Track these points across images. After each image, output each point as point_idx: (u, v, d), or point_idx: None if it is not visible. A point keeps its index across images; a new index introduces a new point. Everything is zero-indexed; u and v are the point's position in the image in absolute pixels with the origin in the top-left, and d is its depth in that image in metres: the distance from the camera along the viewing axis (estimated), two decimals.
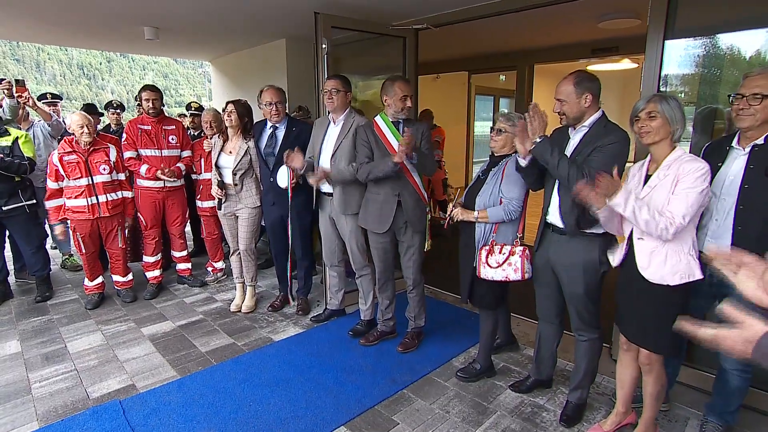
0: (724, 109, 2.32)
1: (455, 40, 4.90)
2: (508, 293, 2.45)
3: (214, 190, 3.19)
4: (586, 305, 2.00)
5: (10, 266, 3.87)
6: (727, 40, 2.37)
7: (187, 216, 3.84)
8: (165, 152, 3.51)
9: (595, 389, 2.35)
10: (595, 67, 5.83)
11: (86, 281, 3.46)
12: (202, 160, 3.63)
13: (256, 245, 3.40)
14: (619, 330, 1.93)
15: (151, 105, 3.43)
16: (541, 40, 5.06)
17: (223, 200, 3.20)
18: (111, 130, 4.27)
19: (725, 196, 1.78)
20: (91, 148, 3.23)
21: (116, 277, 3.55)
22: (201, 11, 3.53)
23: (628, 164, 1.82)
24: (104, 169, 3.25)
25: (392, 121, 2.56)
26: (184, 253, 3.86)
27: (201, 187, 3.70)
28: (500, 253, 2.18)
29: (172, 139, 3.56)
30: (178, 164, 3.55)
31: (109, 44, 5.47)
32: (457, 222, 2.32)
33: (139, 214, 3.58)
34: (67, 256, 4.34)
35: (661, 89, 2.30)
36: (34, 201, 3.45)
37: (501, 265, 2.16)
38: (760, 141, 1.72)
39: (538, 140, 1.88)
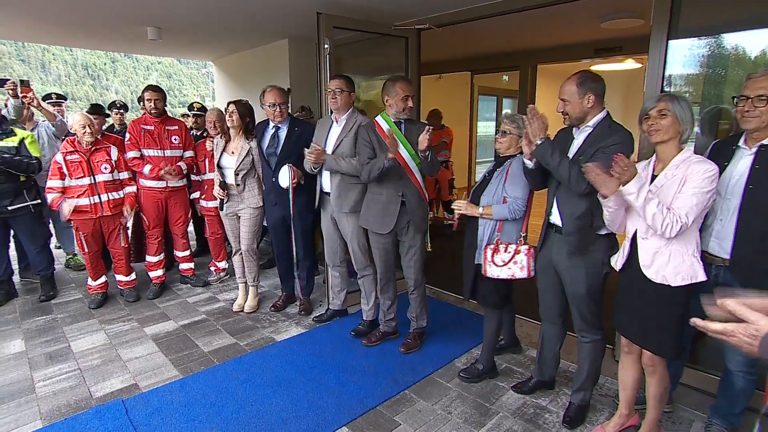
0: (730, 110, 2.31)
1: (458, 40, 4.89)
2: (513, 293, 2.45)
3: (216, 191, 3.19)
4: (588, 306, 1.99)
5: (15, 266, 3.89)
6: (731, 39, 2.36)
7: (189, 216, 3.85)
8: (168, 152, 3.52)
9: (598, 391, 2.34)
10: (599, 67, 5.81)
11: (89, 281, 3.48)
12: (207, 160, 3.65)
13: (259, 245, 3.41)
14: (617, 331, 1.93)
15: (153, 105, 3.45)
16: (543, 40, 5.05)
17: (225, 200, 3.21)
18: (114, 130, 4.29)
19: (730, 196, 1.77)
20: (93, 148, 3.25)
21: (119, 277, 3.57)
22: (202, 11, 3.54)
23: None
24: (106, 168, 3.27)
25: (394, 121, 2.56)
26: (187, 252, 3.87)
27: (206, 187, 3.72)
28: (506, 251, 2.20)
29: (175, 139, 3.57)
30: (179, 163, 3.56)
31: (112, 44, 5.49)
32: (465, 220, 2.34)
33: (142, 213, 3.59)
34: (71, 256, 4.36)
35: (665, 89, 2.29)
36: (39, 201, 3.47)
37: (507, 263, 2.19)
38: (767, 141, 1.71)
39: (539, 142, 1.89)
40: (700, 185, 1.58)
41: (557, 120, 2.04)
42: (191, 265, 3.93)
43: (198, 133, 4.29)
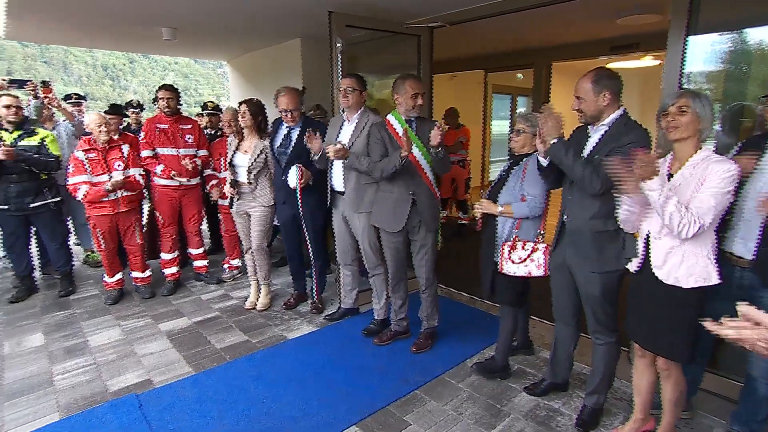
0: (754, 107, 2.24)
1: (471, 37, 4.84)
2: (529, 291, 2.42)
3: (227, 189, 3.23)
4: (602, 306, 1.96)
5: (36, 262, 4.00)
6: (754, 35, 2.28)
7: (203, 213, 3.90)
8: (182, 151, 3.57)
9: (612, 394, 2.29)
10: (616, 64, 5.69)
11: (106, 277, 3.55)
12: (222, 159, 3.68)
13: (270, 244, 3.43)
14: (627, 335, 1.88)
15: (166, 104, 3.49)
16: (558, 37, 4.96)
17: (235, 199, 3.24)
18: (131, 129, 4.37)
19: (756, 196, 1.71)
20: (108, 146, 3.32)
21: (135, 273, 3.63)
22: (215, 11, 3.57)
23: None
24: (119, 166, 3.33)
25: (405, 119, 2.54)
26: (201, 250, 3.92)
27: (222, 184, 3.75)
28: (523, 248, 2.20)
29: (189, 138, 3.61)
30: (194, 159, 3.59)
31: (129, 45, 5.60)
32: (484, 218, 2.33)
33: (156, 212, 3.65)
34: (88, 253, 4.46)
35: (683, 87, 2.23)
36: (60, 198, 3.56)
37: (524, 260, 2.18)
38: None
39: (553, 141, 1.85)
40: (720, 185, 1.53)
41: (573, 118, 2.00)
42: (205, 262, 3.98)
43: (212, 133, 4.34)
